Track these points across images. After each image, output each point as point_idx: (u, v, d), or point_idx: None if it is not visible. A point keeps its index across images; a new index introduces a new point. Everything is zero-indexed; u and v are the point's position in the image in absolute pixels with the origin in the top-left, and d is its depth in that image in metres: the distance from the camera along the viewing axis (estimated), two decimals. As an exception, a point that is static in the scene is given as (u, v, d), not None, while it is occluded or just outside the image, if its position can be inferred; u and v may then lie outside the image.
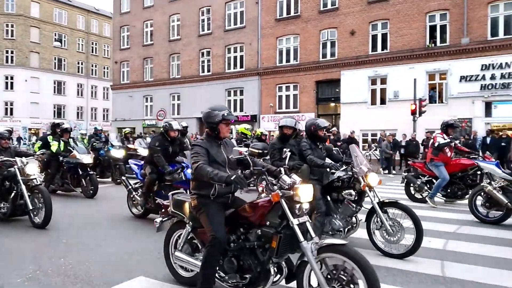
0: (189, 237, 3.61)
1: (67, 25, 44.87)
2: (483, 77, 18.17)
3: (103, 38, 48.26)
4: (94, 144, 11.71)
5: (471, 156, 8.18)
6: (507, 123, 17.56)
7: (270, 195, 3.01)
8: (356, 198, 4.72)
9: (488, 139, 15.87)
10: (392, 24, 20.47)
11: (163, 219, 3.90)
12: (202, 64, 27.58)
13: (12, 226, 6.22)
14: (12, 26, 40.78)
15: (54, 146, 9.05)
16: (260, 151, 4.31)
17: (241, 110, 25.65)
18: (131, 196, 6.97)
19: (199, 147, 3.27)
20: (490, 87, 18.04)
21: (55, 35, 43.45)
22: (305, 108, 23.11)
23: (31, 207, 6.02)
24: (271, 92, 24.43)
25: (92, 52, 47.67)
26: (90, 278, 3.93)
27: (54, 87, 43.59)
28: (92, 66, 47.68)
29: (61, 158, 9.28)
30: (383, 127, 19.07)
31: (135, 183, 7.00)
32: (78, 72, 46.13)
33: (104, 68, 48.52)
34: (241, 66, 25.80)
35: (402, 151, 16.58)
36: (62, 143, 9.20)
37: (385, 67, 20.50)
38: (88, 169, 9.35)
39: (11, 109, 40.69)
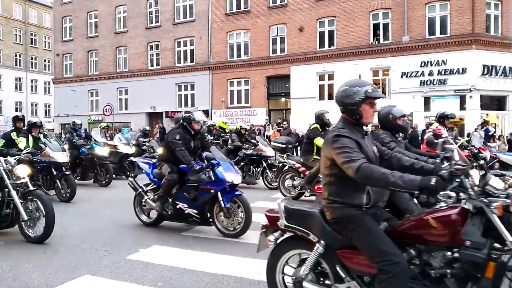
0: (316, 262, 2.61)
1: (1, 14, 41.75)
2: (422, 73, 19.31)
3: (43, 29, 45.46)
4: (74, 140, 10.40)
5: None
6: (443, 117, 18.80)
7: (464, 205, 2.20)
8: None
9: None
10: (339, 21, 21.12)
11: (277, 237, 2.77)
12: (151, 57, 26.88)
13: None
14: None
15: (21, 143, 7.54)
16: (283, 145, 4.16)
17: (193, 105, 25.33)
18: (142, 200, 5.83)
19: (348, 139, 2.41)
20: (428, 82, 19.21)
21: (-12, 25, 40.32)
22: (257, 103, 23.30)
23: (25, 217, 4.81)
24: (223, 87, 24.36)
25: (31, 43, 44.77)
26: (31, 279, 3.75)
27: (-12, 80, 40.53)
28: (32, 58, 44.80)
29: (30, 157, 7.72)
30: (331, 122, 19.68)
31: (146, 185, 5.97)
32: (16, 65, 43.18)
33: (45, 61, 45.77)
34: (192, 61, 25.45)
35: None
36: (31, 139, 7.82)
37: (333, 63, 21.14)
38: (64, 169, 8.27)
39: None
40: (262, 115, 22.74)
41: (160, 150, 11.00)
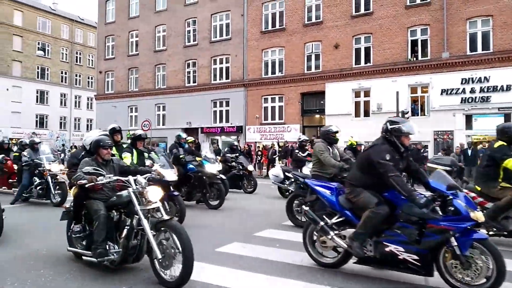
0: None
1: (50, 34, 44.44)
2: (463, 91, 18.66)
3: (88, 47, 47.92)
4: (181, 156, 9.19)
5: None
6: (487, 135, 18.01)
7: None
8: None
9: (469, 152, 16.23)
10: (375, 38, 20.91)
11: None
12: (188, 75, 27.60)
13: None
14: (-6, 34, 40.17)
15: (127, 159, 6.42)
16: (448, 167, 3.62)
17: (227, 121, 25.68)
18: (329, 237, 4.45)
19: None
20: (470, 100, 18.52)
21: (38, 44, 42.98)
22: (291, 120, 23.28)
23: (159, 256, 3.84)
24: (257, 103, 24.56)
25: (76, 61, 47.23)
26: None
27: (37, 96, 42.95)
28: (76, 75, 47.19)
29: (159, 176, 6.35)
30: (367, 139, 19.30)
31: (320, 215, 4.63)
32: (62, 81, 45.58)
33: (88, 78, 48.07)
34: (227, 78, 25.91)
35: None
36: (135, 155, 6.84)
37: (369, 80, 20.87)
38: (171, 188, 7.09)
39: (-9, 118, 39.82)
40: (296, 132, 22.66)
41: (251, 167, 10.66)
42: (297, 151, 10.49)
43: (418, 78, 19.75)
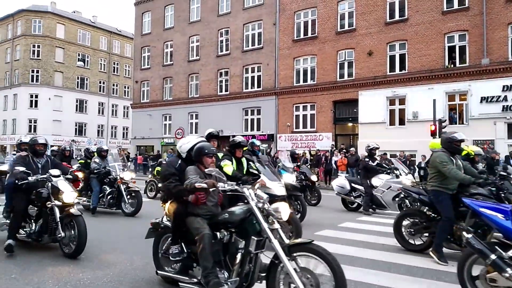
0: None
1: (90, 45, 46.37)
2: (505, 98, 17.87)
3: (125, 58, 49.60)
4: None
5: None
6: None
7: None
8: None
9: (512, 161, 15.46)
10: (410, 44, 20.45)
11: None
12: (220, 84, 27.97)
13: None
14: (38, 46, 42.39)
15: (227, 167, 5.72)
16: None
17: (258, 129, 25.77)
18: (505, 275, 3.45)
19: None
20: (512, 108, 17.72)
21: (79, 55, 44.90)
22: (322, 128, 23.07)
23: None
24: (288, 111, 24.51)
25: (114, 71, 48.96)
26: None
27: (76, 105, 44.79)
28: (114, 85, 48.89)
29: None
30: (402, 148, 18.84)
31: (508, 249, 3.59)
32: (100, 91, 47.35)
33: (125, 88, 49.68)
34: (259, 86, 26.05)
35: (422, 172, 16.33)
36: (234, 164, 6.08)
37: (404, 87, 20.39)
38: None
39: (35, 126, 41.87)
40: (328, 140, 22.43)
41: (314, 178, 9.80)
42: (367, 159, 9.79)
43: (456, 85, 19.11)
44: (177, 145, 4.38)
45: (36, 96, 41.97)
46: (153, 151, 29.51)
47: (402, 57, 20.88)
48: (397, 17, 20.99)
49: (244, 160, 6.30)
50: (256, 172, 6.28)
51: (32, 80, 42.21)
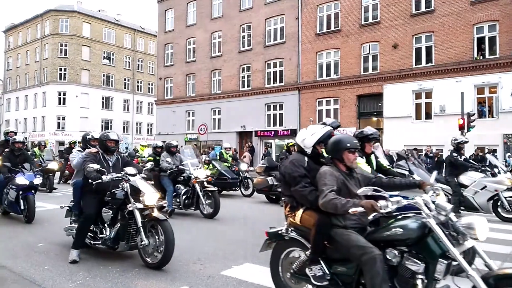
0: None
1: (115, 43, 47.28)
2: (538, 90, 17.18)
3: (148, 55, 50.34)
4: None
5: None
6: None
7: None
8: None
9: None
10: (437, 36, 19.90)
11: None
12: (242, 79, 28.01)
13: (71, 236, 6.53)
14: (65, 45, 43.55)
15: (361, 166, 4.58)
16: None
17: (281, 124, 25.70)
18: None
19: None
20: (545, 100, 17.02)
21: (104, 53, 45.89)
22: (346, 123, 22.75)
23: None
24: (311, 106, 24.33)
25: (138, 69, 49.79)
26: (135, 286, 4.06)
27: (102, 102, 45.84)
28: (138, 82, 49.75)
29: None
30: (429, 143, 18.42)
31: None
32: (125, 88, 48.26)
33: (149, 84, 50.46)
34: (281, 81, 25.95)
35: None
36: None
37: (430, 80, 19.89)
38: None
39: (63, 123, 43.11)
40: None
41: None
42: (455, 154, 8.53)
43: (485, 77, 18.50)
44: (297, 139, 3.61)
45: (64, 94, 43.18)
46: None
47: (428, 49, 20.35)
48: (423, 9, 20.46)
49: (373, 157, 5.00)
50: (399, 171, 5.31)
51: (60, 78, 43.43)
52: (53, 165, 13.40)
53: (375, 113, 22.45)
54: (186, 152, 9.41)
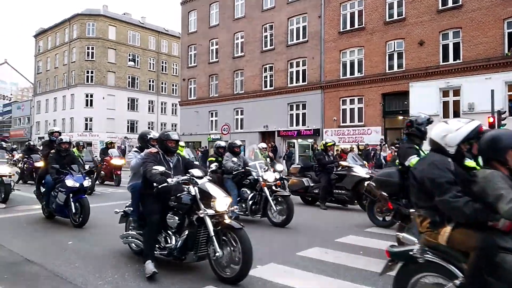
0: None
1: (139, 45, 48.16)
2: None
3: (172, 57, 51.02)
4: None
5: None
6: None
7: None
8: None
9: None
10: (465, 32, 19.34)
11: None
12: (265, 79, 28.01)
13: (102, 235, 6.72)
14: (92, 48, 44.68)
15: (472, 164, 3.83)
16: None
17: (304, 124, 25.56)
18: None
19: None
20: None
21: (129, 56, 46.78)
22: (371, 122, 22.45)
23: None
24: (335, 105, 24.08)
25: (162, 70, 50.55)
26: (162, 284, 4.13)
27: (128, 103, 46.77)
28: (162, 83, 50.51)
29: None
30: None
31: None
32: (150, 89, 49.10)
33: (173, 86, 51.15)
34: (304, 80, 25.80)
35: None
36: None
37: (458, 78, 19.35)
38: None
39: (91, 124, 44.25)
40: (377, 134, 21.79)
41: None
42: None
43: (517, 74, 17.84)
44: (435, 135, 2.92)
45: (91, 96, 44.31)
46: (200, 146, 30.19)
47: (456, 45, 19.80)
48: (450, 4, 19.91)
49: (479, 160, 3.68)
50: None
51: (87, 81, 44.59)
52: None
53: (400, 112, 22.01)
54: (186, 152, 8.93)
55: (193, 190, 4.30)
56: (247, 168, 7.88)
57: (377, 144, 20.44)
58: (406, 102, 21.22)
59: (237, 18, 29.72)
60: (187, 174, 4.47)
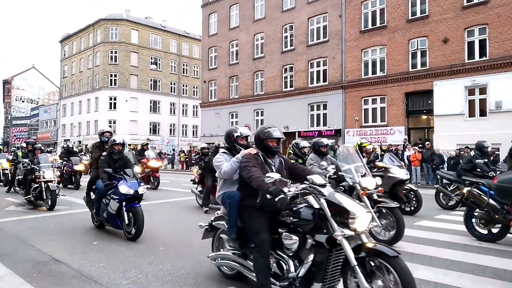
0: None
1: (161, 49, 48.83)
2: None
3: (193, 59, 51.53)
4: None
5: None
6: None
7: None
8: None
9: None
10: (492, 29, 18.77)
11: None
12: (285, 80, 27.93)
13: (121, 234, 6.85)
14: (115, 52, 45.58)
15: None
16: None
17: (325, 124, 25.35)
18: None
19: None
20: None
21: (151, 59, 47.51)
22: (394, 121, 22.06)
23: None
24: (356, 105, 23.78)
25: (183, 73, 51.11)
26: (185, 284, 4.15)
27: (150, 106, 47.48)
28: (183, 86, 51.06)
29: None
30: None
31: None
32: (171, 92, 49.72)
33: (194, 88, 51.64)
34: (324, 80, 25.59)
35: None
36: None
37: (485, 75, 18.79)
38: None
39: (114, 126, 45.11)
40: (400, 134, 21.40)
41: None
42: None
43: (548, 70, 17.19)
44: None
45: (115, 99, 45.19)
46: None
47: (482, 42, 19.24)
48: (475, 0, 19.38)
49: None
50: None
51: (111, 84, 45.52)
52: (136, 169, 11.64)
53: (424, 111, 21.56)
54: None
55: (318, 203, 3.26)
56: (339, 173, 6.06)
57: (400, 144, 20.11)
58: (430, 101, 20.76)
59: (257, 20, 29.76)
60: (305, 182, 3.41)
